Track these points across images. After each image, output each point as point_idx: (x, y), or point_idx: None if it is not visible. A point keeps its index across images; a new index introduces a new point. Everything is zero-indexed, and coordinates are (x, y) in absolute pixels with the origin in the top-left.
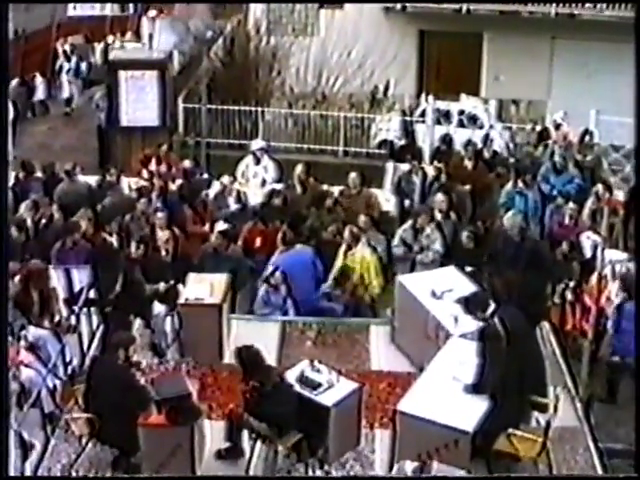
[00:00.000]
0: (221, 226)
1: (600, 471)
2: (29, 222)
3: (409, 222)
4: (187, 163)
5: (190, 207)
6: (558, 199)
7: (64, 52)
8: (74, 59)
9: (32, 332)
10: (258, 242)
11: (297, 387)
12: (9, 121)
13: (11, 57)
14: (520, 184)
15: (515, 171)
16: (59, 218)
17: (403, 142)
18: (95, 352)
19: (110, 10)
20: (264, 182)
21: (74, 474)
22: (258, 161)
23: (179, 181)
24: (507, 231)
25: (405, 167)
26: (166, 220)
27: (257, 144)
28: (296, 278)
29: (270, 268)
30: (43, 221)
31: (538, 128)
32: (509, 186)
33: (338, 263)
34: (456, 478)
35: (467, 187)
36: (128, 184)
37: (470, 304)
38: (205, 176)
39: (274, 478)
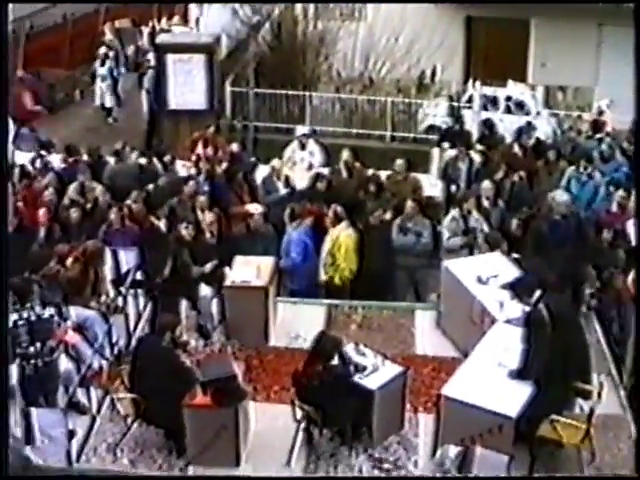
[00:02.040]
0: (255, 208)
1: None
2: (76, 204)
3: (456, 211)
4: (235, 146)
5: (237, 191)
6: (607, 187)
7: (99, 56)
8: (108, 64)
9: (78, 313)
10: (308, 222)
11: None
12: (9, 121)
13: (59, 41)
14: (581, 169)
15: (571, 155)
16: (107, 199)
17: (453, 127)
18: (141, 333)
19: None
20: (310, 167)
21: (119, 454)
22: (304, 146)
23: (225, 164)
24: (554, 211)
25: (452, 152)
26: (210, 202)
27: (302, 130)
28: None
29: None
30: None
31: (586, 116)
32: (571, 169)
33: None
34: (456, 478)
35: (520, 174)
36: (183, 165)
37: (516, 290)
38: (252, 159)
39: (274, 478)
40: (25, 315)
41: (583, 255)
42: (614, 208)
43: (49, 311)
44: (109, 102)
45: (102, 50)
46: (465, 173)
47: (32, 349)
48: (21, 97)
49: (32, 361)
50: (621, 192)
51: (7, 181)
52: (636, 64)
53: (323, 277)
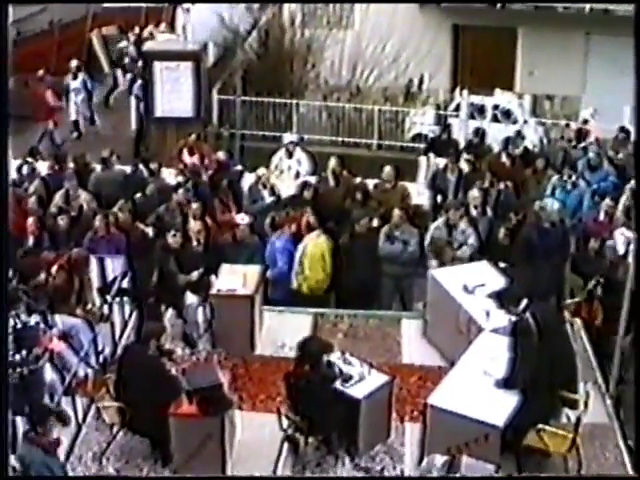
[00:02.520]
0: (241, 218)
1: (630, 468)
2: (63, 211)
3: (442, 219)
4: (221, 155)
5: (222, 198)
6: (594, 196)
7: (71, 69)
8: (81, 77)
9: (64, 321)
10: (293, 228)
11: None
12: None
13: (46, 47)
14: (565, 177)
15: (561, 164)
16: (92, 207)
17: (441, 136)
18: (127, 341)
19: (145, 1)
20: (298, 175)
21: (105, 462)
22: (291, 154)
23: (211, 172)
24: (540, 218)
25: (440, 161)
26: (200, 211)
27: (289, 137)
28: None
29: None
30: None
31: (573, 125)
32: (555, 178)
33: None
34: (456, 479)
35: (506, 183)
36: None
37: (502, 299)
38: (238, 168)
39: (275, 478)
40: (11, 323)
41: (570, 264)
42: (601, 217)
43: (35, 319)
44: (82, 117)
45: (74, 63)
46: (453, 183)
47: (18, 357)
48: (43, 96)
49: (18, 369)
50: (608, 201)
51: (7, 183)
52: (636, 67)
53: (294, 285)
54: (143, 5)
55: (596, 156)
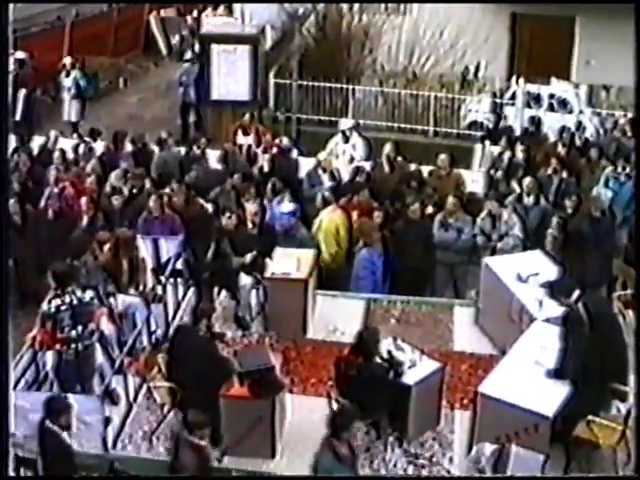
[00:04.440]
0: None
1: None
2: (121, 191)
3: (485, 210)
4: (285, 140)
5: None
6: None
7: (64, 66)
8: (74, 74)
9: (122, 300)
10: (355, 216)
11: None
12: (8, 122)
13: (104, 29)
14: (619, 169)
15: (614, 155)
16: (150, 187)
17: (497, 124)
18: (180, 322)
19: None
20: (352, 160)
21: (155, 441)
22: (347, 139)
23: (268, 156)
24: (593, 208)
25: (495, 149)
26: (255, 193)
27: (346, 123)
28: None
29: None
30: (134, 191)
31: (629, 115)
32: (609, 169)
33: None
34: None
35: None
36: (215, 156)
37: (555, 289)
38: (295, 153)
39: (275, 478)
40: (67, 300)
41: (623, 255)
42: None
43: (89, 294)
44: (74, 116)
45: (67, 60)
46: (507, 170)
47: (74, 333)
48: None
49: (72, 345)
50: None
51: (7, 180)
52: (636, 61)
53: None
54: None
55: None
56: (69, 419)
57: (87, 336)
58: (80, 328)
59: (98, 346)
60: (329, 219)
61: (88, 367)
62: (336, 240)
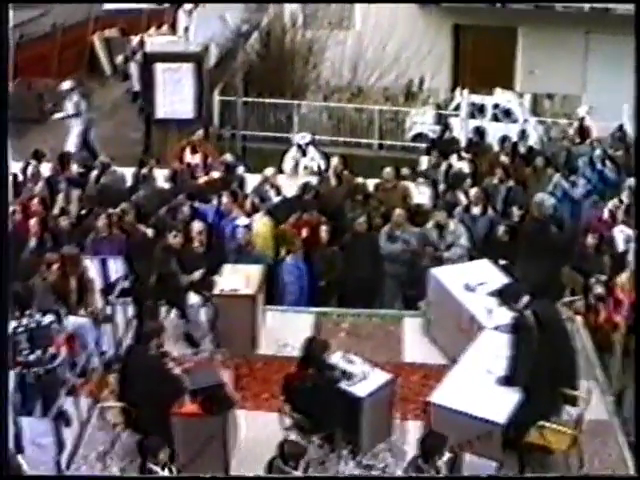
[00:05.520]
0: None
1: (631, 465)
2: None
3: (432, 220)
4: (229, 157)
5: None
6: (594, 194)
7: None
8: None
9: (72, 321)
10: (304, 233)
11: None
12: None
13: (48, 50)
14: (565, 176)
15: (564, 163)
16: (96, 208)
17: (441, 135)
18: (130, 342)
19: (147, 3)
20: (319, 172)
21: (109, 462)
22: (304, 153)
23: (217, 173)
24: (540, 215)
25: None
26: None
27: (303, 137)
28: None
29: None
30: (82, 212)
31: (576, 124)
32: (557, 177)
33: None
34: (455, 478)
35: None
36: (163, 175)
37: (503, 296)
38: (241, 169)
39: (275, 478)
40: (25, 322)
41: (570, 261)
42: (602, 214)
43: (49, 318)
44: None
45: (67, 85)
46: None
47: (33, 357)
48: None
49: (33, 369)
50: (615, 200)
51: (7, 184)
52: (636, 67)
53: None
54: (145, 7)
55: (599, 154)
56: None
57: (48, 360)
58: (39, 352)
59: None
60: (262, 224)
61: (51, 390)
62: (268, 245)
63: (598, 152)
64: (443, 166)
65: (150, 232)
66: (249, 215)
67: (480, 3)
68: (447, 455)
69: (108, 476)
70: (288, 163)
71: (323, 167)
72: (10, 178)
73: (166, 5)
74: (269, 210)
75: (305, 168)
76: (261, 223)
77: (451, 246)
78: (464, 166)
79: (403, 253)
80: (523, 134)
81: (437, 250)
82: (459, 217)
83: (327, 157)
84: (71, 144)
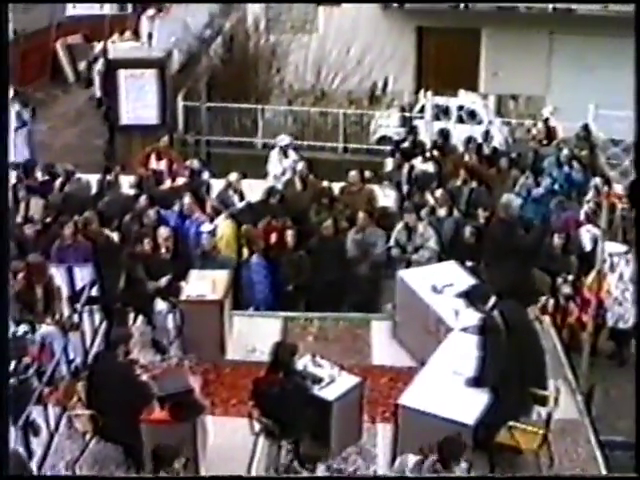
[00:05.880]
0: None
1: (601, 463)
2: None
3: (402, 222)
4: (195, 163)
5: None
6: (560, 194)
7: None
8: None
9: (41, 330)
10: (273, 238)
11: (299, 382)
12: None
13: (10, 57)
14: (531, 177)
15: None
16: (60, 216)
17: (406, 138)
18: (98, 349)
19: (109, 9)
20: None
21: (78, 471)
22: (286, 155)
23: (182, 179)
24: (507, 216)
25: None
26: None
27: (283, 139)
28: None
29: None
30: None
31: (541, 124)
32: (523, 178)
33: None
34: (457, 477)
35: (470, 182)
36: (129, 182)
37: (470, 297)
38: (206, 175)
39: (275, 478)
40: None
41: (537, 261)
42: (568, 215)
43: (23, 328)
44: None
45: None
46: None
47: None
48: None
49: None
50: (574, 199)
51: (7, 184)
52: (636, 67)
53: None
54: (108, 13)
55: (566, 154)
56: None
57: (22, 370)
58: (14, 363)
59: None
60: (226, 225)
61: (24, 401)
62: (232, 247)
63: (566, 152)
64: (405, 168)
65: (116, 236)
66: (212, 220)
67: (443, 3)
68: (417, 457)
69: (108, 476)
70: (274, 165)
71: (304, 168)
72: None
73: (129, 11)
74: (231, 213)
75: (290, 169)
76: (224, 225)
77: (420, 248)
78: (429, 168)
79: (369, 256)
80: (487, 135)
81: (405, 252)
82: (427, 219)
83: (307, 160)
84: (20, 155)
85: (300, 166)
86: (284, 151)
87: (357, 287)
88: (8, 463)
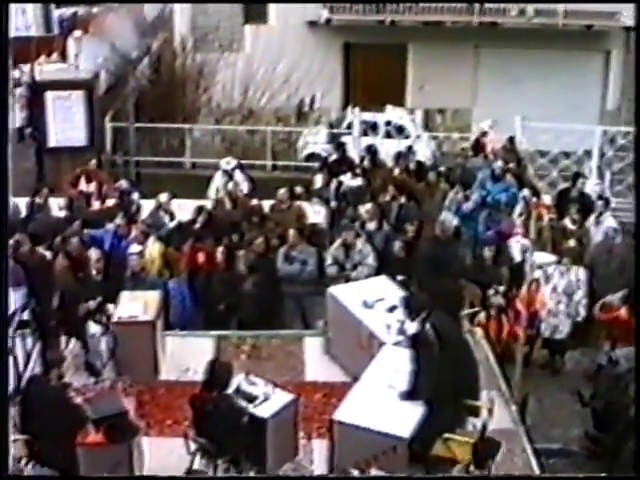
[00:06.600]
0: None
1: (537, 471)
2: None
3: (338, 240)
4: (124, 183)
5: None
6: (494, 206)
7: None
8: None
9: None
10: (201, 258)
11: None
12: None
13: None
14: (461, 191)
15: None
16: None
17: (334, 155)
18: (31, 374)
19: (36, 31)
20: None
21: None
22: (230, 177)
23: (112, 200)
24: (437, 230)
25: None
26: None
27: (228, 162)
28: None
29: None
30: None
31: (472, 137)
32: (452, 192)
33: None
34: (459, 477)
35: (398, 197)
36: (58, 204)
37: (402, 311)
38: (136, 195)
39: (274, 478)
40: None
41: (467, 273)
42: (502, 227)
43: None
44: None
45: None
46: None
47: None
48: None
49: None
50: (507, 211)
51: (7, 184)
52: (636, 70)
53: None
54: (34, 35)
55: (500, 166)
56: None
57: None
58: None
59: None
60: (153, 248)
61: None
62: (159, 268)
63: (499, 164)
64: (334, 184)
65: (48, 254)
66: (143, 241)
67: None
68: (354, 472)
69: (108, 476)
70: (213, 189)
71: (249, 189)
72: None
73: (55, 32)
74: (160, 236)
75: (238, 191)
76: (153, 248)
77: (358, 265)
78: (357, 183)
79: (300, 273)
80: (410, 150)
81: (344, 269)
82: (365, 236)
83: (253, 180)
84: None
85: (245, 187)
86: (229, 175)
87: (289, 305)
88: (8, 463)
